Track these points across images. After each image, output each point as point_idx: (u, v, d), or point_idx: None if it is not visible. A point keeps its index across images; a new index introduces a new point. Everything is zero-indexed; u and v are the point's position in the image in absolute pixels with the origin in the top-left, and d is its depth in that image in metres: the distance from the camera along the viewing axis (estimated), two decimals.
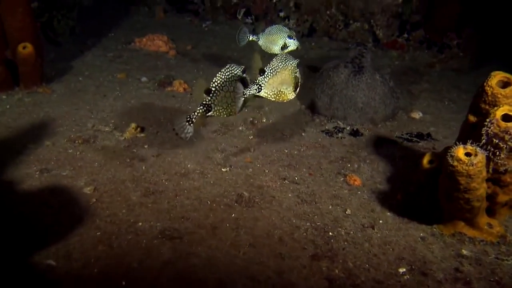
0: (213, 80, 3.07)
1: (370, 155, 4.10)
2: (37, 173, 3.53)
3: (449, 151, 2.70)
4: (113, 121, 4.42)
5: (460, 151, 2.66)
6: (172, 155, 3.92)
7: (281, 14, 7.17)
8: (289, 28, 4.49)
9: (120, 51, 6.29)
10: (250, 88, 2.98)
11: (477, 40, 6.13)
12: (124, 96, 4.99)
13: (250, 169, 3.80)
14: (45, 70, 5.22)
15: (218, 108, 3.08)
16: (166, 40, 6.41)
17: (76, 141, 4.01)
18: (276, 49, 4.40)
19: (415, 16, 6.30)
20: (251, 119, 4.61)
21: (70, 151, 3.88)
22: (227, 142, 4.22)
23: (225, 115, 3.14)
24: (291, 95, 3.09)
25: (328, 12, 6.81)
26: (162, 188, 3.46)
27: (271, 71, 2.99)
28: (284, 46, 4.37)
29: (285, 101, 3.10)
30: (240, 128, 4.49)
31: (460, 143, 2.72)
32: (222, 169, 3.77)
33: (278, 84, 3.00)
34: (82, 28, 6.79)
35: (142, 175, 3.60)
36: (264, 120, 4.65)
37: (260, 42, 4.51)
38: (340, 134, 4.44)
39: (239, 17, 7.51)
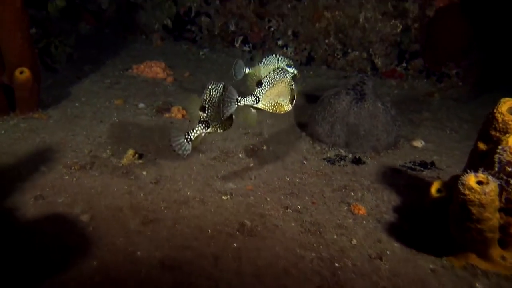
0: (204, 98, 2.98)
1: (373, 184, 4.02)
2: (32, 200, 3.41)
3: (460, 179, 2.62)
4: (110, 147, 4.32)
5: (471, 179, 2.58)
6: (171, 182, 3.82)
7: (279, 42, 7.18)
8: (286, 57, 4.39)
9: (118, 77, 6.23)
10: (246, 98, 2.93)
11: (477, 70, 6.14)
12: (121, 122, 4.91)
13: (252, 197, 3.70)
14: (42, 96, 5.14)
15: (214, 123, 3.04)
16: (163, 67, 6.36)
17: (73, 167, 3.90)
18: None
19: (414, 46, 6.32)
20: (251, 146, 4.53)
21: (66, 177, 3.76)
22: (227, 169, 4.12)
23: (221, 130, 3.09)
24: (288, 107, 3.07)
25: (326, 41, 6.82)
26: (161, 216, 3.35)
27: (268, 83, 2.96)
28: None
29: (282, 112, 3.06)
30: (240, 155, 4.40)
31: (471, 171, 2.64)
32: (223, 197, 3.66)
33: (275, 96, 2.99)
34: (80, 55, 6.74)
35: (140, 203, 3.49)
36: (264, 148, 4.57)
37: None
38: (342, 162, 4.36)
39: (237, 45, 7.51)
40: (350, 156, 4.48)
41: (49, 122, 4.74)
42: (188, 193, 3.68)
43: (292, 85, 3.05)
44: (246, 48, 7.46)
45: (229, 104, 2.86)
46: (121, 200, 3.51)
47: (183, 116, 5.14)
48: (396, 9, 6.26)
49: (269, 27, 7.19)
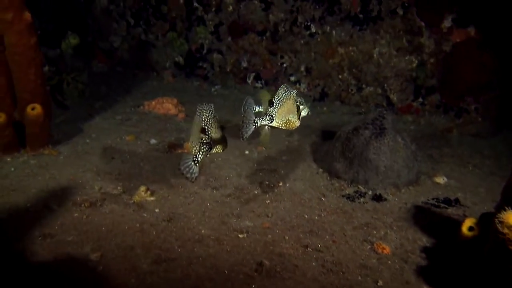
0: (203, 120, 3.07)
1: (396, 222, 3.82)
2: (39, 238, 3.25)
3: (497, 217, 2.44)
4: (121, 183, 4.18)
5: (511, 217, 2.40)
6: (185, 219, 3.65)
7: (292, 78, 7.11)
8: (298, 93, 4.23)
9: (129, 114, 6.15)
10: (262, 118, 3.03)
11: (496, 105, 6.00)
12: (132, 158, 4.79)
13: (269, 235, 3.52)
14: (52, 132, 5.06)
15: (215, 144, 3.14)
16: (175, 103, 6.29)
17: (82, 205, 3.75)
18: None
19: (430, 80, 6.21)
20: (266, 182, 4.38)
21: (75, 215, 3.61)
22: (243, 206, 3.96)
23: (221, 150, 3.20)
24: (297, 123, 3.15)
25: (340, 76, 6.75)
26: (174, 255, 3.17)
27: (279, 101, 3.04)
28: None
29: (293, 128, 3.15)
30: (256, 192, 4.24)
31: (509, 207, 2.46)
32: (239, 235, 3.49)
33: (286, 113, 3.07)
34: (91, 92, 6.70)
35: (152, 241, 3.32)
36: (281, 184, 4.41)
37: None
38: (362, 199, 4.18)
39: (249, 82, 7.45)
40: (370, 192, 4.30)
41: (59, 158, 4.62)
42: (203, 231, 3.51)
43: (297, 101, 3.14)
44: (259, 85, 7.40)
45: (248, 126, 2.97)
46: (133, 238, 3.34)
47: None
48: (411, 44, 6.19)
49: (282, 63, 7.14)
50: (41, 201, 3.77)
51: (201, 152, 3.09)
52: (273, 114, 3.05)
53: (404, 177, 4.33)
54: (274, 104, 3.04)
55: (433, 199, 4.21)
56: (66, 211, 3.66)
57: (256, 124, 3.01)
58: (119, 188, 4.10)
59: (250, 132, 3.00)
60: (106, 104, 6.47)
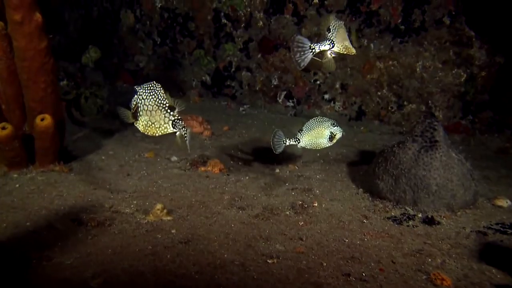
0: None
1: (455, 249, 3.21)
2: (35, 261, 2.77)
3: None
4: (135, 202, 3.71)
5: None
6: (205, 242, 3.13)
7: (326, 96, 6.60)
8: (329, 117, 4.23)
9: None
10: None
11: None
12: (150, 175, 4.32)
13: (304, 261, 2.96)
14: (67, 148, 4.66)
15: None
16: (200, 120, 5.84)
17: (89, 224, 3.28)
18: (324, 142, 3.95)
19: (481, 96, 5.60)
20: (300, 202, 3.83)
21: (79, 235, 3.14)
22: (272, 228, 3.41)
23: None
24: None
25: (378, 93, 6.20)
26: (190, 283, 2.64)
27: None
28: (332, 136, 3.94)
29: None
30: (287, 212, 3.70)
31: None
32: (268, 261, 2.94)
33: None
34: (112, 109, 6.33)
35: (166, 266, 2.80)
36: (316, 204, 3.86)
37: (301, 144, 3.98)
38: (411, 222, 3.59)
39: (280, 101, 6.98)
40: (420, 215, 3.70)
41: (70, 176, 4.19)
42: (226, 255, 2.97)
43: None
44: (290, 104, 6.91)
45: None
46: (143, 262, 2.83)
47: (220, 170, 4.52)
48: (459, 56, 5.62)
49: (315, 80, 6.65)
50: (43, 220, 3.32)
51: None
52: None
53: (460, 197, 3.72)
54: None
55: (497, 224, 3.58)
56: (69, 231, 3.19)
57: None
58: (132, 206, 3.63)
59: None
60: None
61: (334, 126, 3.98)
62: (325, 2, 6.29)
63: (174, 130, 3.10)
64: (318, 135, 3.89)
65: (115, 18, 8.15)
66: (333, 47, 3.14)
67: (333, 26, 3.16)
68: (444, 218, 3.66)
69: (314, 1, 6.36)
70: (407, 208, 3.79)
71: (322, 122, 3.91)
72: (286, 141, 3.95)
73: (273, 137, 4.00)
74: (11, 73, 4.05)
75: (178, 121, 3.10)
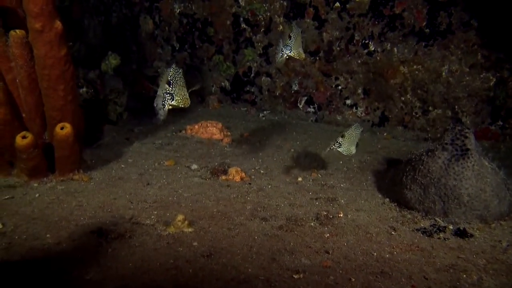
0: (170, 75, 3.35)
1: (491, 264, 3.05)
2: (54, 274, 2.69)
3: None
4: (156, 212, 3.62)
5: None
6: (228, 255, 3.02)
7: (348, 102, 6.46)
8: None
9: (170, 138, 5.65)
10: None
11: None
12: (171, 184, 4.23)
13: (331, 276, 2.84)
14: (85, 157, 4.60)
15: (178, 97, 3.44)
16: (220, 127, 5.75)
17: (109, 236, 3.20)
18: (354, 149, 4.06)
19: None
20: (324, 213, 3.70)
21: (99, 247, 3.05)
22: (297, 241, 3.29)
23: (181, 105, 3.42)
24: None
25: (402, 99, 6.04)
26: None
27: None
28: (358, 144, 4.08)
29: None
30: (312, 224, 3.58)
31: None
32: (294, 276, 2.82)
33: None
34: (131, 116, 6.28)
35: (188, 281, 2.70)
36: (341, 215, 3.73)
37: (340, 149, 4.02)
38: (442, 234, 3.44)
39: (300, 106, 6.85)
40: (451, 227, 3.55)
41: (90, 185, 4.12)
42: (249, 270, 2.86)
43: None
44: (311, 109, 6.78)
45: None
46: (165, 277, 2.74)
47: (241, 178, 4.42)
48: (488, 59, 5.43)
49: (337, 85, 6.51)
50: (63, 231, 3.25)
51: (163, 99, 3.41)
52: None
53: (494, 208, 3.56)
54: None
55: None
56: (89, 243, 3.11)
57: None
58: (153, 217, 3.54)
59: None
60: (145, 129, 6.01)
61: (361, 134, 4.07)
62: (347, 5, 6.16)
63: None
64: (353, 142, 3.99)
65: (134, 24, 8.12)
66: (290, 52, 3.68)
67: (294, 34, 3.66)
68: (477, 231, 3.50)
69: (336, 5, 6.24)
70: (437, 219, 3.64)
71: (358, 130, 3.99)
72: (331, 146, 3.98)
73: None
74: (32, 81, 4.00)
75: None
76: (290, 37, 3.72)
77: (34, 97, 4.07)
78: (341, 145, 3.92)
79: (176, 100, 3.41)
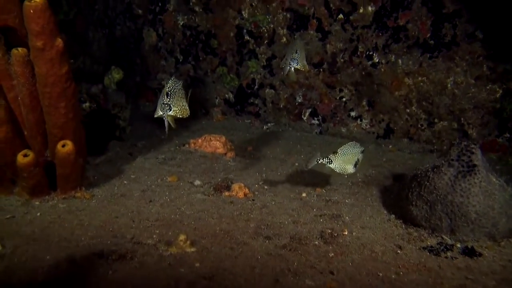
0: (169, 87, 3.56)
1: (502, 285, 2.98)
2: None
3: None
4: (158, 231, 3.57)
5: None
6: (230, 277, 2.97)
7: (352, 114, 6.41)
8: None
9: (173, 153, 5.61)
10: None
11: None
12: (173, 201, 4.19)
13: None
14: (88, 173, 4.57)
15: (176, 108, 3.61)
16: (224, 141, 5.71)
17: (110, 257, 3.14)
18: (351, 168, 4.09)
19: None
20: (329, 231, 3.64)
21: (100, 269, 3.00)
22: (301, 261, 3.23)
23: (179, 115, 3.62)
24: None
25: (407, 110, 5.98)
26: None
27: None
28: (357, 163, 4.08)
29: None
30: (316, 242, 3.52)
31: None
32: None
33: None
34: (134, 130, 6.26)
35: None
36: (346, 233, 3.67)
37: (332, 166, 4.06)
38: (449, 253, 3.37)
39: (304, 119, 6.81)
40: (458, 245, 3.48)
41: (92, 202, 4.09)
42: None
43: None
44: (315, 121, 6.73)
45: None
46: None
47: (245, 195, 4.37)
48: (493, 71, 5.36)
49: (341, 97, 6.46)
50: (63, 252, 3.20)
51: (161, 109, 3.58)
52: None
53: (503, 226, 3.48)
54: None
55: None
56: (89, 264, 3.06)
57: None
58: (154, 236, 3.49)
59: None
60: (149, 143, 5.98)
61: (361, 153, 4.07)
62: (351, 17, 6.12)
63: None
64: (349, 161, 4.00)
65: (137, 37, 8.12)
66: (297, 65, 3.89)
67: (299, 48, 3.89)
68: (486, 249, 3.43)
69: (339, 16, 6.20)
70: (444, 237, 3.57)
71: (355, 148, 4.02)
72: (319, 160, 4.01)
73: (310, 157, 4.17)
74: (33, 99, 3.99)
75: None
76: (296, 51, 3.89)
77: (35, 114, 4.05)
78: (332, 161, 3.97)
79: (173, 111, 3.58)
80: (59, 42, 3.78)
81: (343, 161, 3.99)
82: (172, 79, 3.64)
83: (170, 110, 3.58)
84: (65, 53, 3.85)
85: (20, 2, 3.77)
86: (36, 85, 3.91)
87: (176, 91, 3.58)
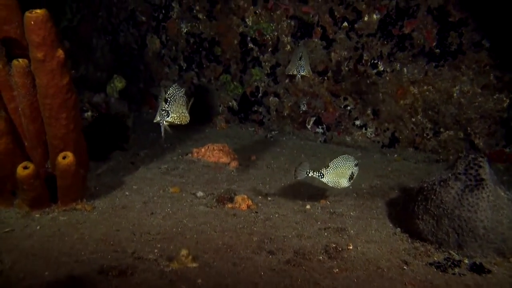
0: (168, 93, 3.66)
1: None
2: None
3: None
4: (159, 245, 3.51)
5: None
6: None
7: (357, 122, 6.34)
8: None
9: (176, 162, 5.56)
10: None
11: None
12: (175, 214, 4.13)
13: None
14: (89, 184, 4.52)
15: (175, 114, 3.70)
16: (227, 150, 5.66)
17: (110, 273, 3.09)
18: (345, 182, 4.04)
19: None
20: (333, 245, 3.57)
21: (100, 286, 2.95)
22: (305, 277, 3.16)
23: (178, 122, 3.72)
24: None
25: (413, 119, 5.92)
26: None
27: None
28: (352, 177, 4.04)
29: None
30: (321, 257, 3.45)
31: None
32: None
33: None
34: (137, 139, 6.21)
35: None
36: (351, 247, 3.60)
37: (324, 180, 4.04)
38: (457, 269, 3.29)
39: (309, 127, 6.74)
40: (466, 261, 3.40)
41: (93, 214, 4.03)
42: None
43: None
44: (319, 130, 6.67)
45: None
46: None
47: (248, 207, 4.31)
48: (500, 80, 5.29)
49: (346, 106, 6.40)
50: (63, 268, 3.14)
51: (160, 115, 3.70)
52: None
53: None
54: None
55: None
56: (89, 281, 3.01)
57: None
58: (156, 251, 3.42)
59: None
60: (152, 152, 5.93)
61: (355, 166, 4.03)
62: (355, 25, 6.06)
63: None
64: (342, 174, 3.98)
65: (141, 44, 8.09)
66: (303, 71, 4.20)
67: (304, 55, 4.18)
68: (495, 266, 3.35)
69: (344, 24, 6.14)
70: (451, 252, 3.49)
71: (348, 162, 3.98)
72: (309, 173, 3.98)
73: (298, 166, 4.03)
74: (34, 110, 3.94)
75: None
76: (300, 57, 4.16)
77: (36, 126, 4.00)
78: (323, 175, 3.96)
79: (171, 117, 3.67)
80: (60, 53, 3.73)
81: (336, 174, 3.96)
82: (174, 86, 3.70)
83: (168, 116, 3.66)
84: (66, 64, 3.81)
85: (22, 12, 3.73)
86: (37, 96, 3.87)
87: (176, 98, 3.64)
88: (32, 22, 3.52)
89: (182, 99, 3.67)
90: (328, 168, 3.97)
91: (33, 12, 3.52)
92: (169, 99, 3.64)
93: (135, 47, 8.20)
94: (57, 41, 3.71)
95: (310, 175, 3.96)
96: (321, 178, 3.98)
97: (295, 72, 4.24)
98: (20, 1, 3.95)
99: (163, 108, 3.65)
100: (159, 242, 3.57)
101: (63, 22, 8.42)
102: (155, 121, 3.79)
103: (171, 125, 3.77)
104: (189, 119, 3.72)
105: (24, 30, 3.61)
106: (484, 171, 3.51)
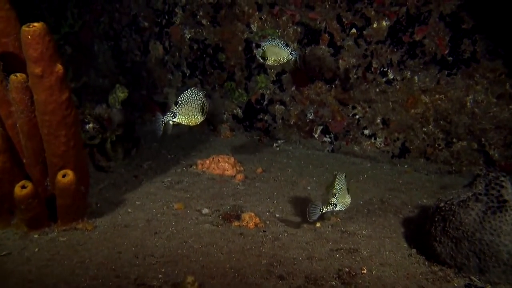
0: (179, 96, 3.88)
1: None
2: None
3: None
4: (163, 270, 3.34)
5: None
6: None
7: (366, 132, 6.15)
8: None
9: (180, 175, 5.38)
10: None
11: None
12: (180, 233, 3.96)
13: None
14: (90, 200, 4.35)
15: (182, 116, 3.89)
16: (232, 162, 5.48)
17: None
18: (348, 197, 4.06)
19: None
20: (346, 269, 3.40)
21: None
22: None
23: (185, 123, 3.91)
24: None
25: (424, 129, 5.72)
26: None
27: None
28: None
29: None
30: (333, 283, 3.27)
31: None
32: None
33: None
34: (140, 150, 6.03)
35: None
36: (365, 271, 3.42)
37: (338, 208, 3.94)
38: None
39: (316, 136, 6.56)
40: (489, 287, 3.22)
41: (94, 234, 3.86)
42: None
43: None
44: (327, 139, 6.48)
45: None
46: None
47: (256, 225, 4.13)
48: None
49: (354, 115, 6.21)
50: None
51: (166, 117, 3.83)
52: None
53: None
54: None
55: None
56: None
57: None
58: (160, 276, 3.26)
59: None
60: (155, 164, 5.76)
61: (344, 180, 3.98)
62: (364, 32, 5.87)
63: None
64: (345, 192, 3.92)
65: (144, 50, 7.92)
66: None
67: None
68: None
69: (352, 31, 5.96)
70: (472, 278, 3.31)
71: (342, 179, 3.90)
72: (323, 210, 3.86)
73: (309, 206, 3.89)
74: (33, 126, 3.76)
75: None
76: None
77: (34, 143, 3.82)
78: (336, 205, 3.85)
79: (179, 119, 3.84)
80: (59, 68, 3.55)
81: (343, 196, 3.88)
82: (191, 89, 3.87)
83: (175, 117, 3.83)
84: (65, 79, 3.63)
85: (20, 24, 3.56)
86: (35, 113, 3.70)
87: (189, 101, 3.81)
88: (29, 37, 3.34)
89: (195, 103, 3.82)
90: (335, 195, 3.83)
91: (31, 26, 3.35)
92: (179, 101, 3.79)
93: (138, 53, 8.03)
94: (56, 56, 3.53)
95: (324, 211, 3.84)
96: (335, 208, 3.86)
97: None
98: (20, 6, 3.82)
99: (172, 110, 3.80)
100: (163, 266, 3.40)
101: (64, 28, 8.28)
102: (161, 120, 3.85)
103: (179, 125, 3.94)
104: (199, 121, 3.91)
105: (22, 44, 3.44)
106: (506, 191, 3.32)
